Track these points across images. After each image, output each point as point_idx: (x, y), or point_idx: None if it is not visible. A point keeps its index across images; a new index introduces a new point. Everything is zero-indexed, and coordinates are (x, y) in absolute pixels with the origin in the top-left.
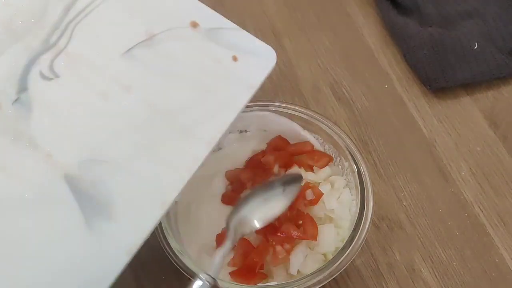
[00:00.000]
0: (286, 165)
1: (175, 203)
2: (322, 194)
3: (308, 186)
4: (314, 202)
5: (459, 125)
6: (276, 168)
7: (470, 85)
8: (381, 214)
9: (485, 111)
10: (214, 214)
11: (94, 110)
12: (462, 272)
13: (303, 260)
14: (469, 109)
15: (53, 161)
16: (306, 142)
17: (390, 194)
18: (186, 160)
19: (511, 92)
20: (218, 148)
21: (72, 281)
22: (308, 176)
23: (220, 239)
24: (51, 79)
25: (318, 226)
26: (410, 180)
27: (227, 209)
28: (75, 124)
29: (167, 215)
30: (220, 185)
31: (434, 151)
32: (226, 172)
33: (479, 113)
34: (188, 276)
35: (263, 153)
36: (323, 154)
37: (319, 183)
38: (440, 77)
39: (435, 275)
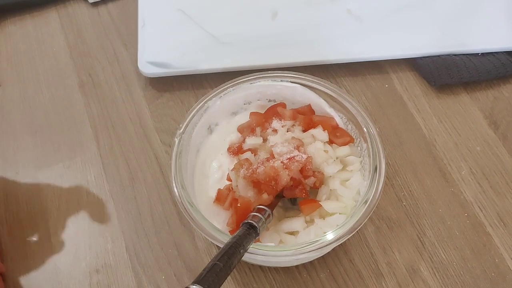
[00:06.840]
0: (309, 126)
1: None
2: (322, 183)
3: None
4: (316, 187)
5: (459, 125)
6: (288, 120)
7: (470, 85)
8: (381, 214)
9: (485, 111)
10: (223, 167)
11: None
12: (462, 272)
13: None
14: (469, 109)
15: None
16: (331, 118)
17: (390, 193)
18: None
19: (511, 92)
20: (243, 110)
21: None
22: (326, 148)
23: (220, 194)
24: None
25: (322, 202)
26: (410, 180)
27: (234, 160)
28: None
29: (184, 168)
30: (233, 141)
31: (434, 150)
32: (238, 126)
33: (479, 113)
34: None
35: (283, 105)
36: (345, 133)
37: (333, 159)
38: (445, 73)
39: (435, 275)
